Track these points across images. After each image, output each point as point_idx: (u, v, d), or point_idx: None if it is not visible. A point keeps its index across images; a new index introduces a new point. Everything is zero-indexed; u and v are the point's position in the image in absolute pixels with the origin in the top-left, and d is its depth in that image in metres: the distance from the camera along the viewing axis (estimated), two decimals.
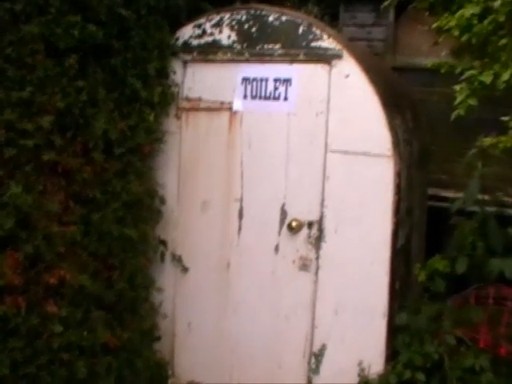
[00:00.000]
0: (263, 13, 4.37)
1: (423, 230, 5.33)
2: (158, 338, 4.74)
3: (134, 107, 4.26)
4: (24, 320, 3.50)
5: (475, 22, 3.75)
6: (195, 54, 4.56)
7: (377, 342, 4.14)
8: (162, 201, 4.65)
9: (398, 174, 4.04)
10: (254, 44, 4.38)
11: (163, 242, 4.72)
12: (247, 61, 4.41)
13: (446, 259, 4.37)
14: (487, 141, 4.05)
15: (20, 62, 3.41)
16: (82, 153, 3.86)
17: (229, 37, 4.46)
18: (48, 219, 3.62)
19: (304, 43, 4.22)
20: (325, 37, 4.17)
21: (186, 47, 4.58)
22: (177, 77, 4.61)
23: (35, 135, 3.48)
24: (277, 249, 4.41)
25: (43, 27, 3.50)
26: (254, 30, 4.38)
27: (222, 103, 4.50)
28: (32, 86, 3.46)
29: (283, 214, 4.38)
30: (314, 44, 4.19)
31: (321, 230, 4.25)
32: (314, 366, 4.32)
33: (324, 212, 4.22)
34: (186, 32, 4.59)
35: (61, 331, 3.71)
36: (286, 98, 4.32)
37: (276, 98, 4.35)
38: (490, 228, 4.41)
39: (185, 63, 4.62)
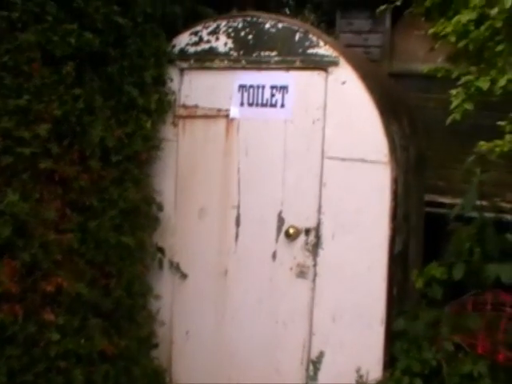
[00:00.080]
0: (260, 20, 4.38)
1: (420, 236, 5.33)
2: (156, 346, 4.73)
3: (131, 115, 4.26)
4: (21, 328, 3.49)
5: (472, 28, 3.76)
6: (192, 61, 4.56)
7: (375, 348, 4.13)
8: (160, 208, 4.64)
9: (395, 180, 4.05)
10: (250, 51, 4.38)
11: (161, 250, 4.71)
12: (244, 68, 4.42)
13: (443, 266, 4.37)
14: (484, 145, 4.05)
15: (17, 69, 3.40)
16: (78, 161, 3.85)
17: (225, 44, 4.46)
18: (45, 227, 3.61)
19: (300, 50, 4.22)
20: (321, 44, 4.18)
21: (183, 55, 4.58)
22: (174, 84, 4.61)
23: (32, 143, 3.48)
24: (274, 256, 4.40)
25: (40, 35, 3.50)
26: (250, 37, 4.39)
27: (218, 110, 4.51)
28: (29, 93, 3.45)
29: (280, 220, 4.38)
30: (310, 51, 4.20)
31: (318, 237, 4.24)
32: (311, 373, 4.31)
33: (321, 219, 4.22)
34: (183, 39, 4.60)
35: (58, 339, 3.70)
36: (282, 105, 4.33)
37: (273, 105, 4.35)
38: (488, 234, 4.41)
39: (181, 71, 4.62)
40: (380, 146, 4.03)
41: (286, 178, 4.34)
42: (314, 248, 4.27)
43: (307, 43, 4.21)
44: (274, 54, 4.30)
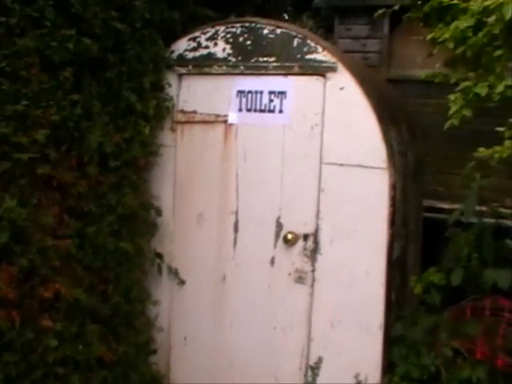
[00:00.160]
0: (258, 26, 4.38)
1: (419, 242, 5.33)
2: (154, 352, 4.72)
3: (129, 120, 4.25)
4: (18, 334, 3.48)
5: (470, 34, 3.76)
6: (190, 66, 4.56)
7: (373, 354, 4.12)
8: (158, 213, 4.63)
9: (393, 186, 4.04)
10: (248, 57, 4.38)
11: (159, 255, 4.70)
12: (242, 74, 4.42)
13: (441, 271, 4.37)
14: (483, 151, 4.06)
15: (15, 75, 3.39)
16: (76, 166, 3.84)
17: (224, 50, 4.46)
18: (43, 233, 3.60)
19: (299, 56, 4.23)
20: (319, 49, 4.18)
21: (181, 60, 4.59)
22: (172, 90, 4.61)
23: (30, 149, 3.47)
24: (272, 261, 4.40)
25: (38, 41, 3.49)
26: (248, 42, 4.39)
27: (217, 116, 4.50)
28: (27, 99, 3.44)
29: (279, 226, 4.37)
30: (308, 56, 4.20)
31: (316, 243, 4.24)
32: (310, 379, 4.30)
33: (319, 224, 4.22)
34: (181, 45, 4.60)
35: (56, 345, 3.69)
36: (280, 111, 4.33)
37: (271, 111, 4.35)
38: (486, 240, 4.42)
39: (180, 76, 4.62)
40: (378, 152, 4.03)
41: (284, 184, 4.33)
42: (313, 253, 4.26)
43: (305, 49, 4.21)
44: (272, 59, 4.30)
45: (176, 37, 4.62)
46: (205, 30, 4.54)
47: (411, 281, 4.47)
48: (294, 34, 4.27)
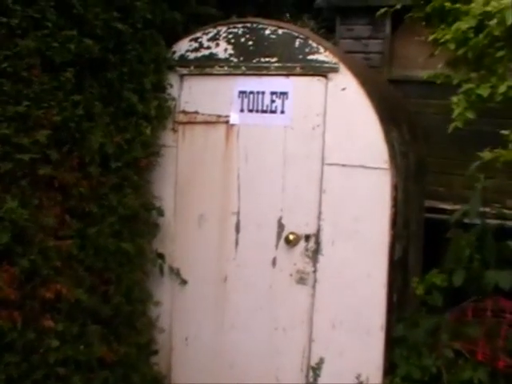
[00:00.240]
0: (260, 26, 4.38)
1: (420, 243, 5.33)
2: (156, 352, 4.72)
3: (131, 121, 4.25)
4: (20, 335, 3.48)
5: (471, 35, 3.75)
6: (192, 67, 4.56)
7: (375, 355, 4.12)
8: (160, 213, 4.63)
9: (395, 187, 4.04)
10: (250, 57, 4.38)
11: (161, 256, 4.70)
12: (244, 74, 4.42)
13: (443, 273, 4.36)
14: (488, 155, 4.05)
15: (16, 76, 3.39)
16: (78, 167, 3.84)
17: (225, 50, 4.46)
18: (44, 233, 3.60)
19: (300, 56, 4.22)
20: (321, 50, 4.18)
21: (183, 61, 4.58)
22: (173, 90, 4.61)
23: (31, 149, 3.46)
24: (274, 262, 4.40)
25: (39, 41, 3.49)
26: (250, 43, 4.39)
27: (218, 117, 4.50)
28: (28, 100, 3.44)
29: (280, 227, 4.37)
30: (310, 57, 4.20)
31: (318, 243, 4.24)
32: (311, 380, 4.30)
33: (321, 225, 4.22)
34: (183, 45, 4.60)
35: (57, 346, 3.69)
36: (282, 111, 4.33)
37: (273, 112, 4.35)
38: (487, 241, 4.41)
39: (181, 77, 4.62)
40: (380, 153, 4.03)
41: (285, 184, 4.33)
42: (314, 254, 4.26)
43: (307, 49, 4.21)
44: (274, 60, 4.30)
45: (177, 37, 4.62)
46: (206, 31, 4.54)
47: (413, 282, 4.46)
48: (296, 34, 4.27)
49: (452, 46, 3.89)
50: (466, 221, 4.60)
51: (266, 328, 4.45)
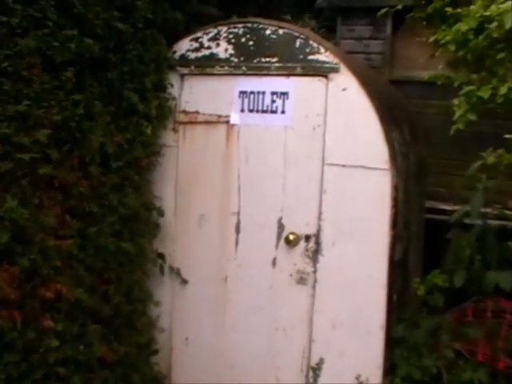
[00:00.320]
0: (260, 26, 4.38)
1: (421, 243, 5.32)
2: (156, 352, 4.72)
3: (131, 121, 4.25)
4: (20, 334, 3.47)
5: (471, 36, 3.75)
6: (192, 67, 4.56)
7: (375, 355, 4.12)
8: (160, 213, 4.63)
9: (396, 187, 4.04)
10: (251, 57, 4.38)
11: (161, 256, 4.70)
12: (244, 74, 4.41)
13: (444, 273, 4.36)
14: (491, 159, 4.05)
15: (16, 75, 3.38)
16: (78, 166, 3.84)
17: (226, 50, 4.46)
18: (44, 233, 3.60)
19: (301, 56, 4.22)
20: (322, 50, 4.18)
21: (183, 60, 4.58)
22: (174, 90, 4.61)
23: (31, 149, 3.45)
24: (274, 262, 4.39)
25: (40, 41, 3.48)
26: (251, 43, 4.39)
27: (219, 116, 4.50)
28: (28, 99, 3.43)
29: (280, 227, 4.37)
30: (311, 57, 4.20)
31: (318, 244, 4.24)
32: (311, 380, 4.30)
33: (321, 225, 4.21)
34: (184, 45, 4.60)
35: (57, 345, 3.68)
36: (283, 112, 4.32)
37: (273, 112, 4.35)
38: (488, 241, 4.40)
39: (182, 76, 4.62)
40: (380, 153, 4.03)
41: (286, 185, 4.33)
42: (314, 254, 4.26)
43: (308, 49, 4.21)
44: (274, 60, 4.30)
45: (178, 37, 4.62)
46: (207, 31, 4.53)
47: (414, 283, 4.46)
48: (297, 34, 4.27)
49: (452, 48, 3.89)
50: (467, 221, 4.60)
51: (266, 328, 4.45)
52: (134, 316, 4.43)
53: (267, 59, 4.32)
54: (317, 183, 4.22)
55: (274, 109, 4.35)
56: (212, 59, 4.50)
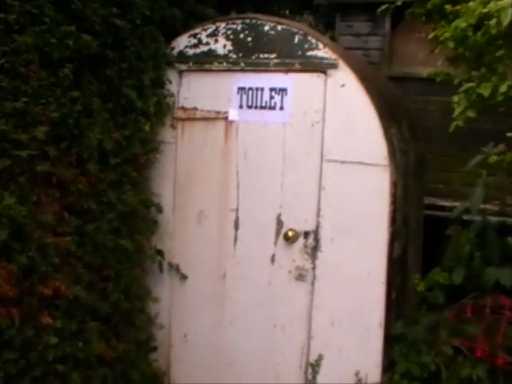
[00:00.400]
0: (259, 22, 4.37)
1: (420, 240, 5.32)
2: (155, 349, 4.72)
3: (130, 117, 4.25)
4: (18, 332, 3.46)
5: (470, 33, 3.74)
6: (191, 63, 4.55)
7: (374, 352, 4.12)
8: (159, 210, 4.62)
9: (394, 184, 4.03)
10: (249, 53, 4.37)
11: (160, 252, 4.69)
12: (243, 70, 4.41)
13: (443, 270, 4.36)
14: (493, 158, 4.04)
15: (14, 72, 3.37)
16: (76, 163, 3.83)
17: (224, 46, 4.45)
18: (42, 230, 3.59)
19: (300, 52, 4.21)
20: (320, 46, 4.17)
21: (182, 57, 4.57)
22: (172, 86, 4.60)
23: (29, 146, 3.45)
24: (273, 259, 4.39)
25: (37, 37, 3.47)
26: (249, 39, 4.38)
27: (217, 113, 4.49)
28: (26, 96, 3.43)
29: (279, 223, 4.36)
30: (309, 53, 4.19)
31: (317, 240, 4.23)
32: (310, 377, 4.30)
33: (320, 222, 4.21)
34: (182, 42, 4.59)
35: (55, 343, 3.67)
36: (281, 108, 4.32)
37: (272, 108, 4.34)
38: (489, 237, 4.40)
39: (180, 73, 4.61)
40: (379, 149, 4.02)
41: (284, 181, 4.33)
42: (313, 251, 4.25)
43: (306, 45, 4.20)
44: (273, 56, 4.29)
45: (176, 34, 4.61)
46: (205, 27, 4.52)
47: (414, 279, 4.45)
48: (295, 30, 4.26)
49: (451, 45, 3.87)
50: (466, 218, 4.60)
51: (264, 325, 4.45)
52: (133, 313, 4.42)
53: (266, 55, 4.31)
54: (315, 179, 4.21)
55: (272, 105, 4.34)
56: (210, 55, 4.49)
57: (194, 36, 4.55)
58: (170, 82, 4.59)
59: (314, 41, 4.19)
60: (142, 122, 4.32)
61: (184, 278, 4.69)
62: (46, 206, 3.65)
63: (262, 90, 4.36)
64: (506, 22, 3.38)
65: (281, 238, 4.35)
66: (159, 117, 4.53)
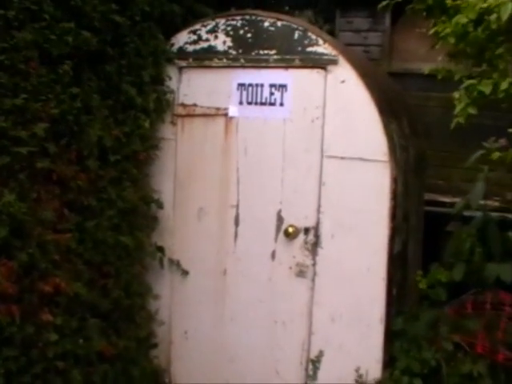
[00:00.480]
0: (258, 18, 4.36)
1: (420, 236, 5.31)
2: (155, 346, 4.72)
3: (129, 114, 4.24)
4: (19, 329, 3.46)
5: (471, 29, 3.73)
6: (190, 60, 4.54)
7: (374, 348, 4.12)
8: (159, 206, 4.61)
9: (395, 180, 4.03)
10: (249, 50, 4.36)
11: (160, 249, 4.69)
12: (243, 67, 4.40)
13: (443, 267, 4.35)
14: (495, 155, 4.03)
15: (13, 68, 3.36)
16: (76, 160, 3.83)
17: (224, 43, 4.44)
18: (42, 227, 3.59)
19: (300, 49, 4.21)
20: (320, 42, 4.16)
21: (182, 53, 4.56)
22: (172, 83, 4.60)
23: (29, 142, 3.44)
24: (273, 255, 4.39)
25: (37, 34, 3.46)
26: (249, 35, 4.37)
27: (217, 109, 4.49)
28: (26, 93, 3.42)
29: (279, 220, 4.36)
30: (309, 49, 4.18)
31: (317, 236, 4.23)
32: (311, 373, 4.30)
33: (320, 218, 4.21)
34: (181, 38, 4.58)
35: (56, 340, 3.67)
36: (281, 104, 4.31)
37: (272, 104, 4.34)
38: (491, 232, 4.40)
39: (180, 69, 4.60)
40: (379, 145, 4.02)
41: (285, 177, 4.32)
42: (314, 247, 4.25)
43: (306, 41, 4.19)
44: (272, 52, 4.28)
45: (176, 30, 4.60)
46: (205, 23, 4.52)
47: (416, 276, 4.45)
48: (295, 26, 4.25)
49: (452, 40, 3.86)
50: (466, 214, 4.59)
51: (265, 321, 4.45)
52: (133, 310, 4.43)
53: (265, 51, 4.30)
54: (316, 176, 4.21)
55: (272, 101, 4.33)
56: (210, 52, 4.48)
57: (194, 32, 4.54)
58: (170, 79, 4.58)
59: (313, 37, 4.18)
60: (142, 119, 4.32)
61: (185, 274, 4.69)
62: (46, 202, 3.64)
63: (262, 86, 4.36)
64: (505, 17, 3.37)
65: (281, 235, 4.35)
66: (159, 113, 4.53)
